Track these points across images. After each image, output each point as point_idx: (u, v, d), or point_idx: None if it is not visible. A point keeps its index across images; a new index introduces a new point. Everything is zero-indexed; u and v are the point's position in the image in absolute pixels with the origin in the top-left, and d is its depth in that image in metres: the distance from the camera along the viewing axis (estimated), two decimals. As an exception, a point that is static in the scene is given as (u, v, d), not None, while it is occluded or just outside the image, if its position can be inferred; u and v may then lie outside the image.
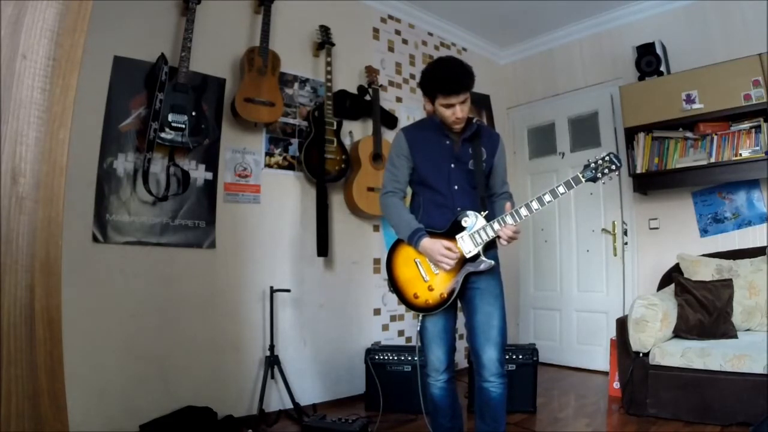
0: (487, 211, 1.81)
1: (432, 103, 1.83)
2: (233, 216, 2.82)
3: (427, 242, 1.79)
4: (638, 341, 2.67)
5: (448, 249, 1.76)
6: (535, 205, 1.74)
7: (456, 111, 1.79)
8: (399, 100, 3.76)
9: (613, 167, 1.74)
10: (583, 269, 4.04)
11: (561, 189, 1.73)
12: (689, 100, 3.17)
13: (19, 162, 0.86)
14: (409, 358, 2.87)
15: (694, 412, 2.47)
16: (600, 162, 1.75)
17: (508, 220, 1.75)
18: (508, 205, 1.78)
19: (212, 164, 2.76)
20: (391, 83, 3.72)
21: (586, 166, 1.76)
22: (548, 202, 1.74)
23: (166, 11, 2.64)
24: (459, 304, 1.91)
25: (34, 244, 0.88)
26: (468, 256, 1.78)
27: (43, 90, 0.89)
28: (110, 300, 2.36)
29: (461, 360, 3.33)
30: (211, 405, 2.52)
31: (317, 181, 3.05)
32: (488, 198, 1.98)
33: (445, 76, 1.76)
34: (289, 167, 3.09)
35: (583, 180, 1.75)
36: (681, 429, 2.43)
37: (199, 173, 2.70)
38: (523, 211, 1.74)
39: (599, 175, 1.75)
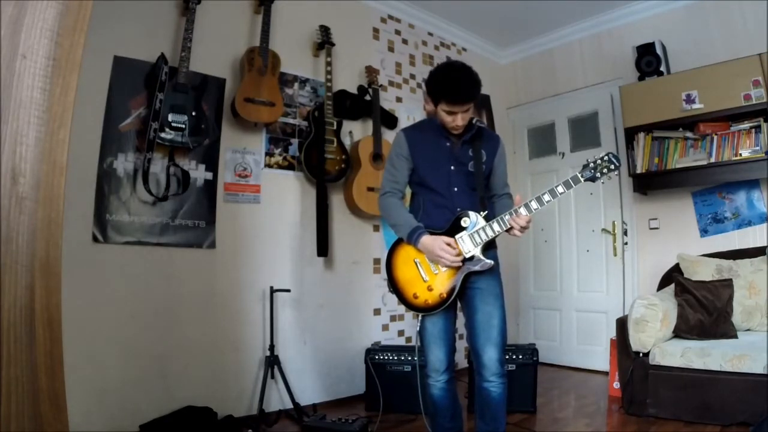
0: (486, 212, 1.81)
1: (434, 104, 1.83)
2: (233, 216, 2.82)
3: (427, 239, 1.79)
4: (638, 341, 2.67)
5: (448, 245, 1.76)
6: (534, 204, 1.74)
7: (457, 119, 1.78)
8: (399, 100, 3.76)
9: (612, 167, 1.75)
10: (583, 269, 4.04)
11: (560, 189, 1.73)
12: (689, 100, 3.17)
13: (19, 162, 0.86)
14: (409, 358, 2.86)
15: (694, 412, 2.47)
16: (599, 162, 1.76)
17: (507, 219, 1.75)
18: (518, 197, 1.78)
19: (212, 164, 2.76)
20: (391, 83, 3.72)
21: (585, 166, 1.77)
22: (548, 202, 1.74)
23: (166, 11, 2.64)
24: (459, 305, 1.91)
25: (34, 244, 0.88)
26: (467, 255, 1.78)
27: (43, 90, 0.89)
28: (110, 300, 2.36)
29: (461, 360, 3.33)
30: (211, 405, 2.52)
31: (317, 181, 3.05)
32: (489, 199, 1.98)
33: (453, 85, 1.73)
34: (289, 167, 3.09)
35: (582, 180, 1.75)
36: (681, 429, 2.43)
37: (199, 173, 2.70)
38: (522, 211, 1.74)
39: (598, 174, 1.75)
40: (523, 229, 1.76)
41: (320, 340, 3.12)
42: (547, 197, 1.73)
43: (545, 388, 3.26)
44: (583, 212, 4.06)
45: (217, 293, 2.72)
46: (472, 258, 1.78)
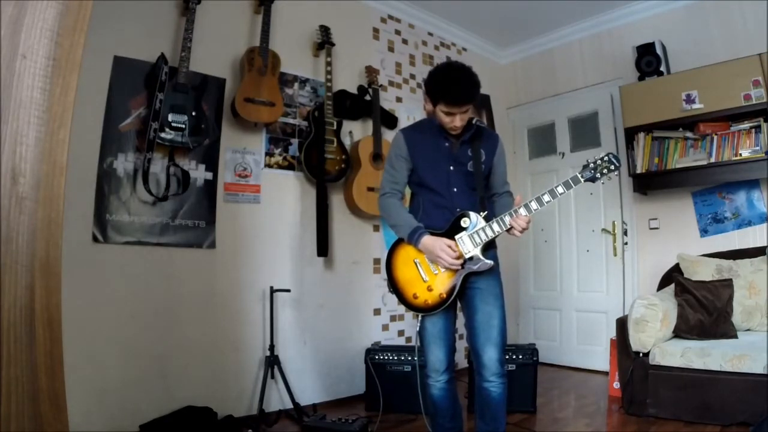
0: (486, 212, 1.81)
1: (433, 105, 1.83)
2: (233, 216, 2.82)
3: (427, 240, 1.79)
4: (638, 341, 2.67)
5: (449, 246, 1.76)
6: (534, 204, 1.74)
7: (455, 120, 1.78)
8: (399, 100, 3.76)
9: (612, 167, 1.75)
10: (583, 269, 4.04)
11: (560, 189, 1.74)
12: (689, 100, 3.17)
13: (19, 162, 0.86)
14: (409, 358, 2.86)
15: (694, 412, 2.47)
16: (599, 162, 1.76)
17: (507, 219, 1.75)
18: (519, 197, 1.78)
19: (212, 164, 2.76)
20: (391, 83, 3.72)
21: (585, 167, 1.77)
22: (547, 202, 1.74)
23: (166, 11, 2.64)
24: (458, 305, 1.91)
25: (34, 244, 0.88)
26: (467, 256, 1.78)
27: (43, 90, 0.89)
28: (110, 300, 2.36)
29: (461, 360, 3.33)
30: (211, 405, 2.52)
31: (317, 181, 3.05)
32: (489, 198, 1.98)
33: (452, 86, 1.73)
34: (289, 167, 3.09)
35: (582, 180, 1.75)
36: (681, 429, 2.43)
37: (199, 173, 2.70)
38: (522, 211, 1.74)
39: (598, 175, 1.75)
40: (522, 229, 1.76)
41: (320, 340, 3.12)
42: (546, 197, 1.74)
43: (545, 388, 3.26)
44: (583, 212, 4.06)
45: (217, 293, 2.72)
46: (472, 258, 1.78)
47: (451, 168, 1.87)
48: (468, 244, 1.78)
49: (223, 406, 2.59)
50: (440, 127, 1.87)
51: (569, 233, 4.14)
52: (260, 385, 2.68)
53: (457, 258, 1.76)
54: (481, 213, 1.80)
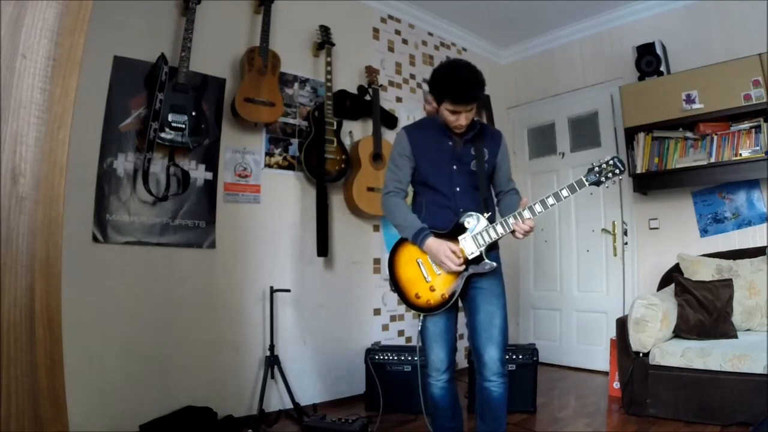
0: (489, 213, 1.81)
1: (437, 103, 1.82)
2: (233, 216, 2.82)
3: (432, 242, 1.78)
4: (638, 341, 2.67)
5: (453, 252, 1.76)
6: (538, 207, 1.74)
7: (460, 118, 1.78)
8: (399, 100, 3.76)
9: (617, 171, 1.75)
10: (583, 269, 4.04)
11: (564, 192, 1.74)
12: (689, 100, 3.17)
13: (19, 162, 0.86)
14: (409, 358, 2.86)
15: (694, 412, 2.47)
16: (604, 166, 1.76)
17: (510, 222, 1.75)
18: (525, 200, 1.78)
19: (212, 164, 2.76)
20: (391, 83, 3.72)
21: (590, 170, 1.77)
22: (552, 205, 1.74)
23: (166, 11, 2.64)
24: (460, 304, 1.91)
25: (34, 244, 0.88)
26: (470, 257, 1.78)
27: (43, 90, 0.89)
28: (110, 300, 2.36)
29: (461, 360, 3.32)
30: (211, 405, 2.52)
31: (317, 181, 3.05)
32: (495, 196, 1.98)
33: (457, 85, 1.72)
34: (289, 167, 3.09)
35: (586, 184, 1.76)
36: (681, 429, 2.43)
37: (199, 173, 2.70)
38: (526, 214, 1.74)
39: (603, 179, 1.76)
40: (525, 232, 1.76)
41: (320, 340, 3.12)
42: (551, 200, 1.74)
43: (545, 388, 3.26)
44: (583, 212, 4.06)
45: (217, 293, 2.71)
46: (475, 259, 1.78)
47: (454, 167, 1.87)
48: (471, 245, 1.78)
49: (223, 406, 2.59)
50: (443, 125, 1.86)
51: (569, 233, 4.14)
52: (260, 385, 2.68)
53: (461, 264, 1.76)
54: (485, 213, 1.80)
